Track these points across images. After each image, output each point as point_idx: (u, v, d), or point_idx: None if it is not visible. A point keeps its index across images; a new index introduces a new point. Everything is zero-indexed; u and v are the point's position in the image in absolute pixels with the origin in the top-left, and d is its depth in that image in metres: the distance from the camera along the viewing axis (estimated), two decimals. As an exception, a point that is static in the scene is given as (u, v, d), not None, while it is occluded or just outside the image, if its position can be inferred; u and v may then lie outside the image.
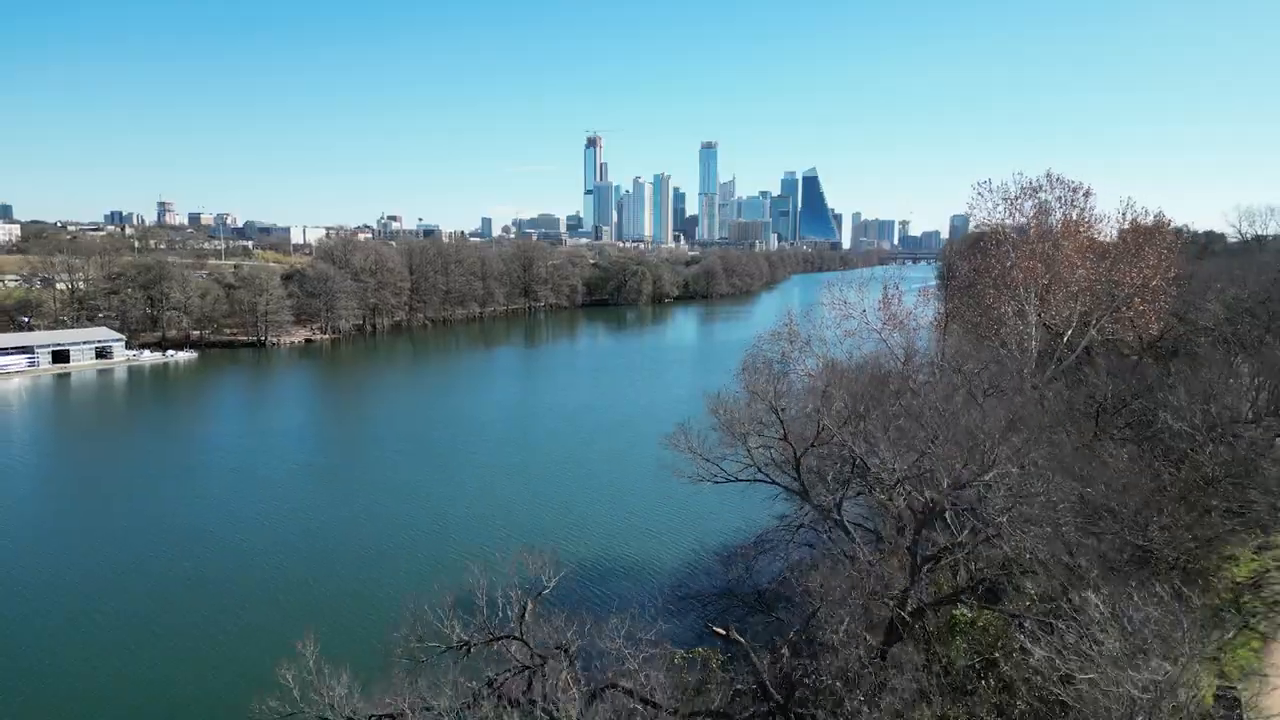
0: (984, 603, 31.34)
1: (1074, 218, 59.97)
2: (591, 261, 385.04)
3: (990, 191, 61.65)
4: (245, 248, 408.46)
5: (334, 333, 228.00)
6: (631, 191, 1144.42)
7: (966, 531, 29.28)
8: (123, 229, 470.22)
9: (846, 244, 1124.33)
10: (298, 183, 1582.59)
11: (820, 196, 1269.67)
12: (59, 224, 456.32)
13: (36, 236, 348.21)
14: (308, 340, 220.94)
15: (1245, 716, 30.74)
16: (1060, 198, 61.08)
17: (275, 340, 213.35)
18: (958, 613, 31.84)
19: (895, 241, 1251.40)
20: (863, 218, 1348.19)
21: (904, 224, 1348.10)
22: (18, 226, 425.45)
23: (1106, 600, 22.90)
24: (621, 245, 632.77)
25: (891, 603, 27.84)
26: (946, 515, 30.14)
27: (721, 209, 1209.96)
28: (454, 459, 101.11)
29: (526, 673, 25.63)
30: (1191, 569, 35.54)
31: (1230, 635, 37.97)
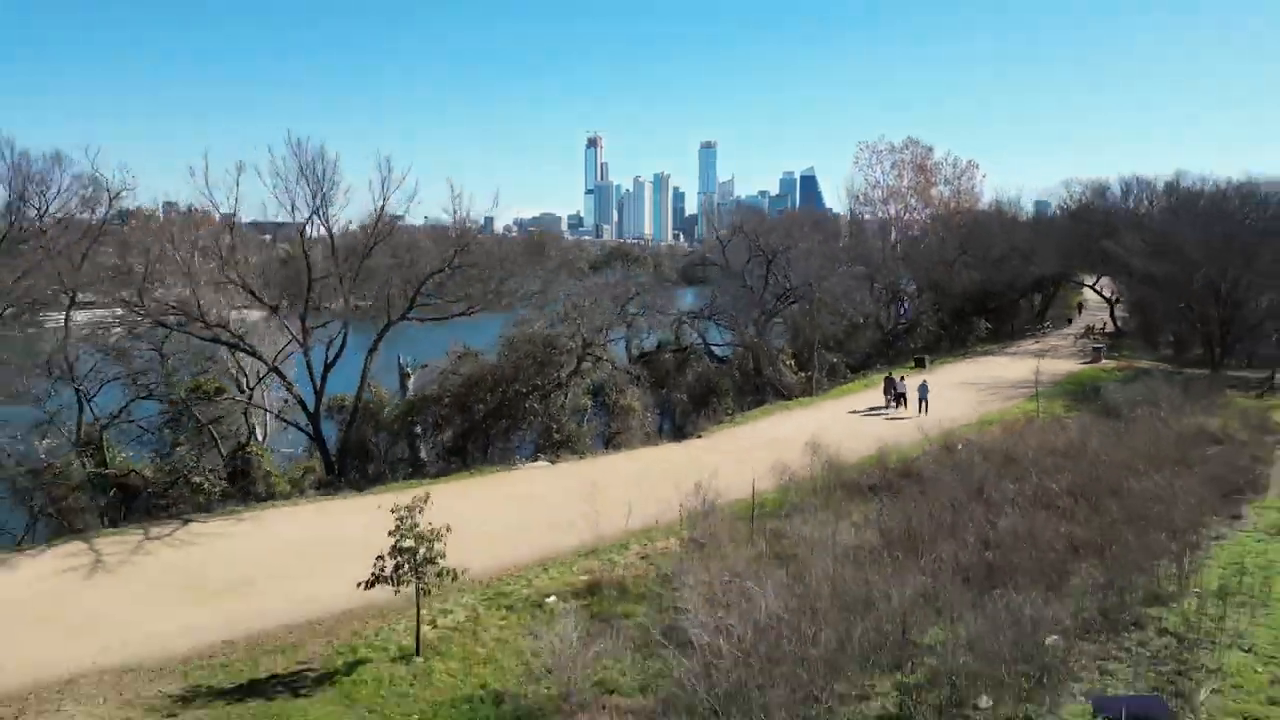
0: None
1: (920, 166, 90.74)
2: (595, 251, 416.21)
3: (867, 150, 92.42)
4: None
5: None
6: (632, 191, 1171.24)
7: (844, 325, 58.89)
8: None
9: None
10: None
11: (819, 195, 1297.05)
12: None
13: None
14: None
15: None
16: (914, 154, 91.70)
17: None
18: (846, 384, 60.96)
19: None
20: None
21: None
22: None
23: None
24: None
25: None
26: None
27: (720, 208, 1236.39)
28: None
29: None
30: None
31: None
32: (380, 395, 37.68)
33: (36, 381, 29.30)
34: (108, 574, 21.76)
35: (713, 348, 54.79)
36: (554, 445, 35.67)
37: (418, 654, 16.91)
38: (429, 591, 16.95)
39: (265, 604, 19.64)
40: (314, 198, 33.00)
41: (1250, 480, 30.02)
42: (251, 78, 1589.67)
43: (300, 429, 33.30)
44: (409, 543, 16.45)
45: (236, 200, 32.09)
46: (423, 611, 17.63)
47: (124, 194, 36.13)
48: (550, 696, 15.12)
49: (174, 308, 28.30)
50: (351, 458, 33.29)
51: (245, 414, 33.00)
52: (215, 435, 31.25)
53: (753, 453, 33.38)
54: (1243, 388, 49.66)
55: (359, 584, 16.73)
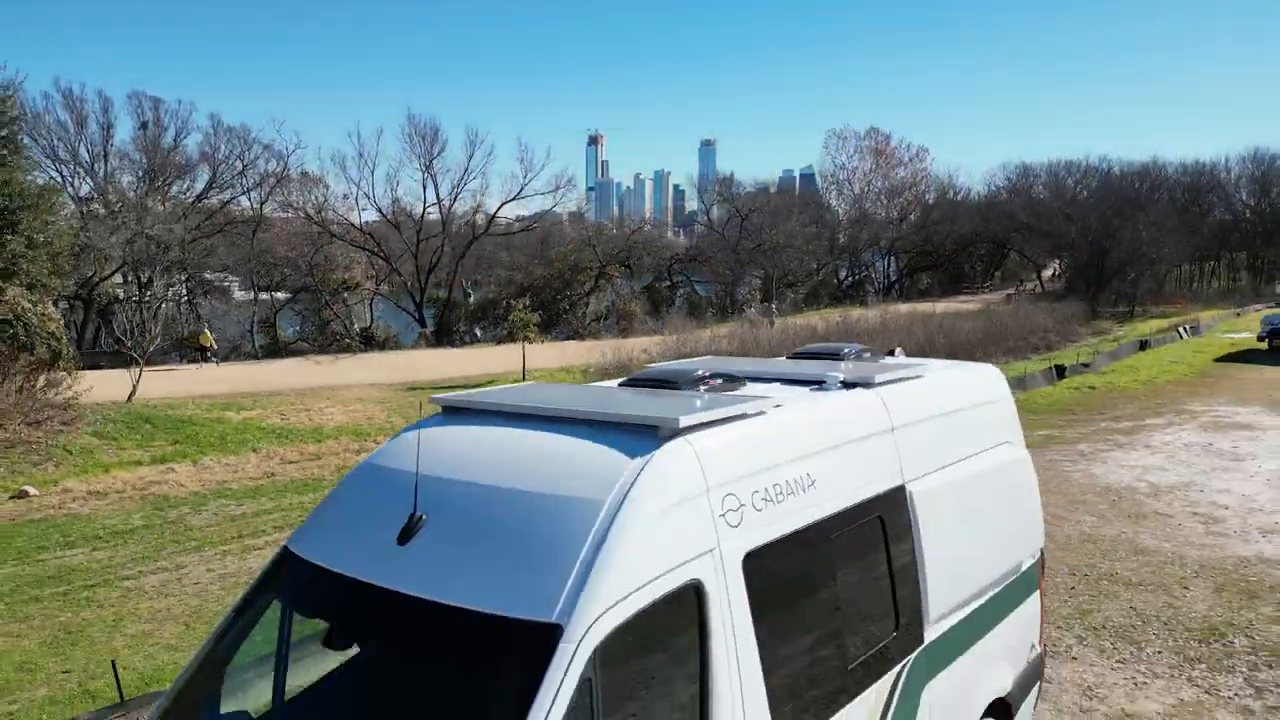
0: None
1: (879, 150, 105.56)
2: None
3: (835, 136, 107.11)
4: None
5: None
6: (632, 188, 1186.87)
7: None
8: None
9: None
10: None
11: (818, 194, 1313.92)
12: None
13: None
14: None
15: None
16: (874, 141, 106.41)
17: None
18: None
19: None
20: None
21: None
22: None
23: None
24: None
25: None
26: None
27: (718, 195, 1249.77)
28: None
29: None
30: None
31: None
32: (455, 300, 52.76)
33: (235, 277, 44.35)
34: (327, 364, 36.79)
35: (697, 284, 69.91)
36: (580, 336, 50.56)
37: (524, 378, 31.89)
38: (530, 340, 31.89)
39: (428, 376, 34.53)
40: (426, 154, 48.53)
41: (1037, 347, 45.48)
42: (246, 72, 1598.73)
43: (409, 312, 48.27)
44: (517, 314, 31.58)
45: (377, 154, 47.51)
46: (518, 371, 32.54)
47: (295, 151, 51.83)
48: (603, 374, 30.19)
49: (339, 221, 43.14)
50: (444, 335, 48.10)
51: (370, 305, 47.80)
52: (351, 318, 46.15)
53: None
54: (1112, 317, 65.20)
55: (496, 340, 31.74)
